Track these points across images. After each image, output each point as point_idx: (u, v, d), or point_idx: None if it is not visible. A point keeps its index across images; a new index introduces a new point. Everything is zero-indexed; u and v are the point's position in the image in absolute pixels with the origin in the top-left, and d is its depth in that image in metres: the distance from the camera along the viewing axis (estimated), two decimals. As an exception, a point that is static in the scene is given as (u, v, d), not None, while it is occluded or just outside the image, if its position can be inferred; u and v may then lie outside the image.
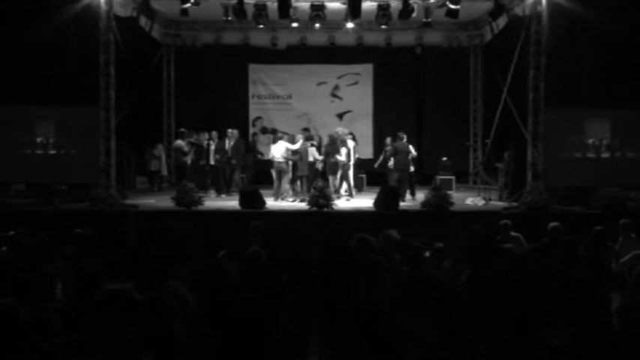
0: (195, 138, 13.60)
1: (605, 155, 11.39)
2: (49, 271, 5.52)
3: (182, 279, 4.68)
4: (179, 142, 12.35)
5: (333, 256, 5.70)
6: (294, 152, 12.50)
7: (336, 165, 12.74)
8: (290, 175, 12.69)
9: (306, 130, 13.57)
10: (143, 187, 14.67)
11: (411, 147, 13.09)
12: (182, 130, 12.73)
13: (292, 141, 12.63)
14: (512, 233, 7.70)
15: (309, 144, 12.77)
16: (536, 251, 6.74)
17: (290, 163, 12.63)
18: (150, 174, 15.00)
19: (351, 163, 13.20)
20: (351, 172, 13.19)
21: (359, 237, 5.65)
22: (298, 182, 12.78)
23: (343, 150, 12.82)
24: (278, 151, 12.55)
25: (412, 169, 13.15)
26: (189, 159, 12.52)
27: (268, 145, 14.00)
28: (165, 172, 15.01)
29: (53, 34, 11.15)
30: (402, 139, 12.95)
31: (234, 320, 3.79)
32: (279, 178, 12.57)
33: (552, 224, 7.78)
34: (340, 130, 13.50)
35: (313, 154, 12.73)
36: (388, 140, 13.96)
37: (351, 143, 13.38)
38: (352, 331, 4.22)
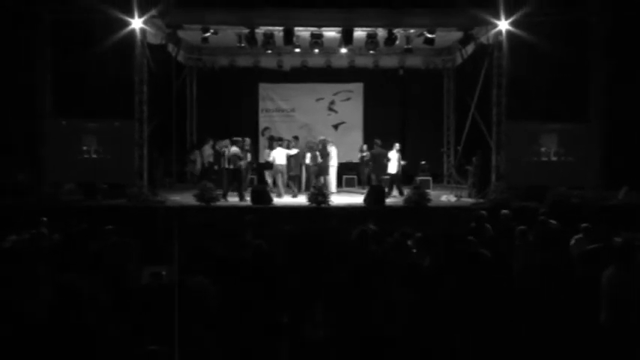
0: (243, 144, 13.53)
1: (554, 159, 11.55)
2: (89, 255, 5.64)
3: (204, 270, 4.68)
4: (235, 149, 12.37)
5: (332, 245, 5.79)
6: (290, 157, 12.66)
7: (326, 167, 13.01)
8: (286, 175, 12.81)
9: (296, 138, 13.71)
10: (179, 185, 14.75)
11: (390, 154, 13.00)
12: (236, 138, 12.72)
13: (288, 147, 12.86)
14: (487, 225, 7.58)
15: (310, 153, 12.99)
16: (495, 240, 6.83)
17: (286, 165, 12.76)
18: (187, 174, 15.35)
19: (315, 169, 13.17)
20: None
21: (360, 230, 5.77)
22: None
23: (308, 154, 13.01)
24: (279, 156, 12.65)
25: (395, 171, 13.05)
26: (244, 163, 12.56)
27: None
28: (198, 172, 15.22)
29: (96, 59, 11.26)
30: (379, 145, 12.99)
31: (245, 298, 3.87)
32: (282, 178, 12.69)
33: (503, 212, 7.89)
34: (325, 138, 13.63)
35: (310, 158, 12.88)
36: (364, 147, 14.12)
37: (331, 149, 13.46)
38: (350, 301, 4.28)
